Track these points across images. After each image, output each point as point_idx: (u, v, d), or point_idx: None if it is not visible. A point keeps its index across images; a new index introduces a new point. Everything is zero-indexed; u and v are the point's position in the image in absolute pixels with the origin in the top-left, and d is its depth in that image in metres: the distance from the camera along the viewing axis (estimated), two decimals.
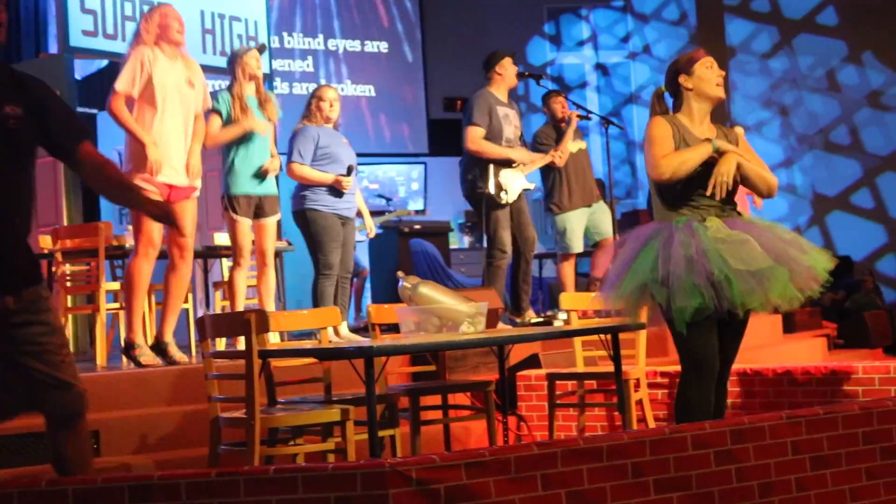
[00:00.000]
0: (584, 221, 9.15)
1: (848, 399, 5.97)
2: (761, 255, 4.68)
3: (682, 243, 4.69)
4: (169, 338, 6.66)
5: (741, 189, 5.03)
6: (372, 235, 8.66)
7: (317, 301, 7.55)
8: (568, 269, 9.18)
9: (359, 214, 8.07)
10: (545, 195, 9.28)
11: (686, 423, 4.76)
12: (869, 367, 6.12)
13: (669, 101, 5.09)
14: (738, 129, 9.16)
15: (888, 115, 17.63)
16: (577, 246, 9.10)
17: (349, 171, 7.67)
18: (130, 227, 7.78)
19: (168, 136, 6.57)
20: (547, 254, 12.27)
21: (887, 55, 17.58)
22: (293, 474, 3.42)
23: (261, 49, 7.48)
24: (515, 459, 3.55)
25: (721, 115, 14.58)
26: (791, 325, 10.28)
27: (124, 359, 6.60)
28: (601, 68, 17.81)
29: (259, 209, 7.31)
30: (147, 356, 6.50)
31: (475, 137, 8.25)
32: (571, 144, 9.03)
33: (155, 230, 6.46)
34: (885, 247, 17.56)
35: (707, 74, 4.98)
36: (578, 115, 9.29)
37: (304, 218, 7.67)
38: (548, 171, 9.15)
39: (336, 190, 7.62)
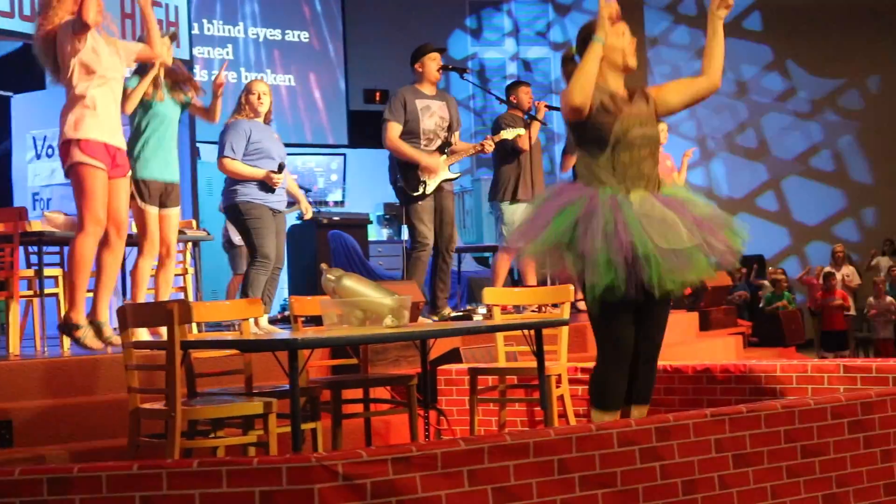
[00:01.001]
0: None
1: (766, 397, 6.01)
2: (686, 234, 4.69)
3: (604, 217, 4.67)
4: (104, 318, 6.54)
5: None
6: (309, 216, 8.57)
7: (246, 290, 7.47)
8: (505, 262, 9.19)
9: (291, 204, 8.05)
10: (498, 185, 9.28)
11: (599, 405, 4.84)
12: (787, 366, 6.18)
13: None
14: (662, 125, 9.22)
15: (794, 119, 17.98)
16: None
17: (280, 168, 7.62)
18: (49, 214, 7.65)
19: (109, 106, 6.43)
20: (466, 248, 12.28)
21: (805, 61, 17.88)
22: (217, 468, 3.37)
23: (172, 36, 7.36)
24: (442, 455, 3.53)
25: None
26: (707, 322, 10.39)
27: (39, 346, 6.46)
28: (522, 62, 17.86)
29: (164, 198, 7.19)
30: (90, 338, 6.35)
31: (389, 135, 8.32)
32: (507, 132, 9.02)
33: (100, 207, 6.32)
34: (788, 248, 17.91)
35: (617, 42, 4.92)
36: (547, 106, 9.38)
37: (238, 210, 7.60)
38: (507, 161, 9.19)
39: (267, 185, 7.57)
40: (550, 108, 9.62)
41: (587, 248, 4.62)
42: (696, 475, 3.98)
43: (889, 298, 15.84)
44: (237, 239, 9.94)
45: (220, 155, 7.60)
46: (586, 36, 4.92)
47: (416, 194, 8.23)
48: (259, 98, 7.72)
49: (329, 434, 5.63)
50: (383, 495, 3.41)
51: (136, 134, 7.18)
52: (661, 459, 3.92)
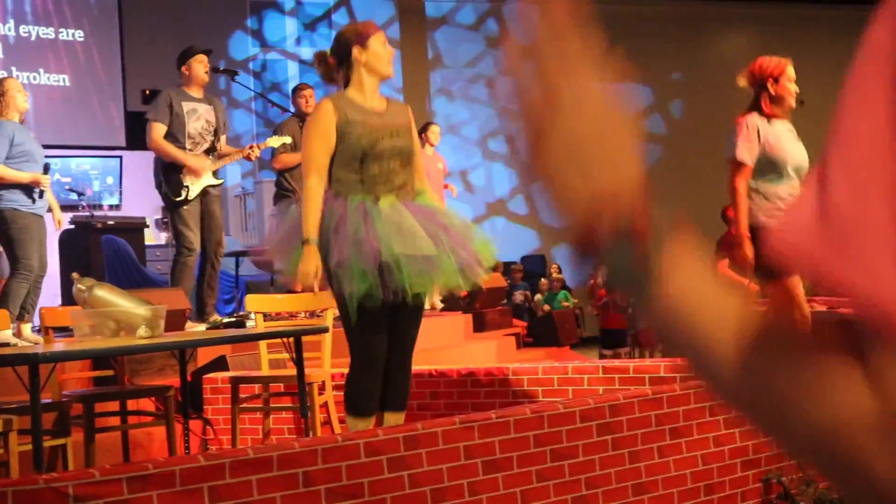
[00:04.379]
0: None
1: (529, 399, 6.09)
2: (426, 242, 4.76)
3: (353, 223, 4.72)
4: None
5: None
6: (59, 228, 8.31)
7: (7, 302, 7.19)
8: None
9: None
10: (284, 188, 9.18)
11: (354, 412, 4.89)
12: (548, 368, 6.27)
13: None
14: (434, 127, 9.27)
15: None
16: None
17: (46, 169, 7.38)
18: None
19: None
20: (244, 251, 12.12)
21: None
22: None
23: None
24: (181, 472, 3.43)
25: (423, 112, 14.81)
26: (482, 324, 10.48)
27: None
28: (305, 65, 17.75)
29: None
30: None
31: (153, 135, 8.12)
32: (273, 139, 8.96)
33: None
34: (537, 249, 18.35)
35: (380, 50, 5.00)
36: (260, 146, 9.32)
37: (2, 218, 7.31)
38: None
39: (31, 189, 7.31)
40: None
41: (341, 258, 4.66)
42: (446, 483, 3.97)
43: None
44: None
45: None
46: (348, 44, 4.96)
47: (178, 199, 8.07)
48: (22, 97, 7.48)
49: (82, 450, 5.45)
50: None
51: None
52: (410, 468, 3.90)
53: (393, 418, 4.96)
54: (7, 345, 6.61)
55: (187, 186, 8.07)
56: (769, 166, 5.94)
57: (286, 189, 9.09)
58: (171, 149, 8.10)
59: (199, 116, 8.24)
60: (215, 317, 8.42)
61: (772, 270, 5.90)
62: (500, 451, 4.13)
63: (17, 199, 7.31)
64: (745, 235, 5.95)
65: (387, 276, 4.69)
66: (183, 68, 8.29)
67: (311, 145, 4.90)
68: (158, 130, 8.10)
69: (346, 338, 4.93)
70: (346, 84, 5.00)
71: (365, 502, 3.79)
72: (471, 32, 18.44)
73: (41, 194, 7.40)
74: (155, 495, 3.37)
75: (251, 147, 8.76)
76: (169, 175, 8.05)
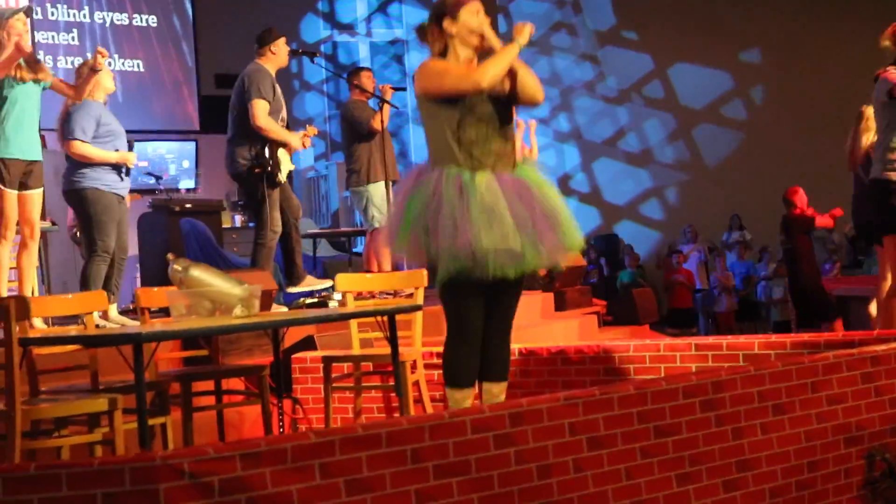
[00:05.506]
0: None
1: (620, 377, 6.06)
2: (513, 233, 4.69)
3: (449, 202, 4.67)
4: None
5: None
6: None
7: (87, 283, 7.24)
8: (374, 245, 9.11)
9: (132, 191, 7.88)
10: (356, 169, 9.20)
11: (451, 383, 4.90)
12: (640, 346, 6.23)
13: None
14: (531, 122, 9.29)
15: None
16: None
17: (130, 146, 7.43)
18: None
19: None
20: (321, 233, 12.17)
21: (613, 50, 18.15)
22: (56, 471, 3.23)
23: (27, 11, 7.10)
24: (292, 449, 3.44)
25: None
26: (562, 303, 10.44)
27: None
28: (375, 47, 17.76)
29: (26, 178, 6.95)
30: None
31: (263, 113, 7.98)
32: (311, 129, 8.90)
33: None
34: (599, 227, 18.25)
35: (472, 21, 4.87)
36: (392, 88, 9.30)
37: (82, 197, 7.36)
38: (361, 144, 9.10)
39: (118, 168, 7.36)
40: (396, 89, 9.52)
41: (437, 236, 4.64)
42: (551, 459, 3.95)
43: (729, 273, 16.25)
44: None
45: (70, 137, 7.34)
46: (440, 11, 4.90)
47: (278, 181, 8.03)
48: (110, 78, 7.55)
49: (180, 428, 5.50)
50: (232, 492, 3.31)
51: None
52: (516, 445, 3.88)
53: (496, 388, 4.96)
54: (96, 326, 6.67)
55: (281, 169, 8.04)
56: None
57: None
58: (278, 128, 8.03)
59: (282, 101, 8.23)
60: (309, 278, 8.41)
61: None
62: (604, 427, 4.10)
63: (102, 178, 7.35)
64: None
65: (478, 262, 4.67)
66: (270, 48, 8.16)
67: (448, 68, 4.84)
68: (265, 108, 7.97)
69: (443, 312, 4.92)
70: (443, 56, 4.94)
71: (471, 479, 3.78)
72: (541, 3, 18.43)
73: (128, 172, 7.45)
74: (268, 472, 3.38)
75: (304, 135, 8.64)
76: (266, 156, 7.97)
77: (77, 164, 7.39)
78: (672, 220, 18.16)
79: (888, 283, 7.34)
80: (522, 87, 4.86)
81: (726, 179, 17.94)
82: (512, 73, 4.86)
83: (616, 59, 18.56)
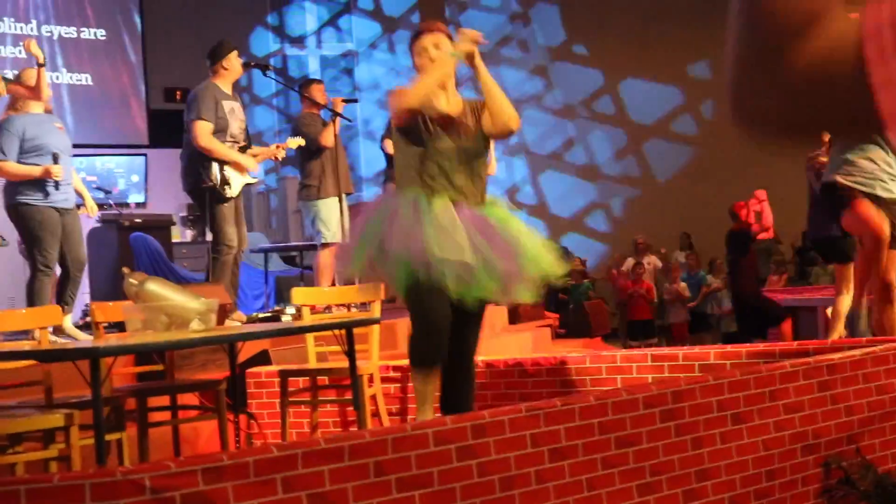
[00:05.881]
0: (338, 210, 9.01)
1: (577, 389, 6.07)
2: (467, 249, 4.72)
3: (404, 216, 4.70)
4: None
5: None
6: (93, 215, 8.24)
7: (32, 300, 7.15)
8: (327, 258, 9.05)
9: (80, 205, 7.74)
10: (308, 183, 9.14)
11: (417, 363, 4.99)
12: (596, 357, 6.24)
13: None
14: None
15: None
16: (337, 234, 8.84)
17: (55, 159, 7.23)
18: None
19: None
20: (272, 247, 12.11)
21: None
22: (15, 487, 3.18)
23: None
24: (254, 463, 3.41)
25: None
26: (515, 316, 10.46)
27: None
28: (325, 60, 17.73)
29: None
30: None
31: (204, 133, 7.90)
32: (291, 140, 8.92)
33: None
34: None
35: (424, 52, 4.92)
36: (344, 100, 9.26)
37: (20, 214, 7.26)
38: (313, 159, 9.05)
39: (44, 183, 7.21)
40: (347, 101, 9.51)
41: (390, 246, 4.67)
42: (513, 471, 3.94)
43: (683, 284, 16.34)
44: None
45: None
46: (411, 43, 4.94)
47: (227, 196, 7.96)
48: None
49: (135, 444, 5.44)
50: None
51: None
52: (478, 457, 3.87)
53: None
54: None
55: (230, 184, 7.98)
56: None
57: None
58: (222, 147, 7.95)
59: (235, 116, 8.15)
60: (237, 313, 8.29)
61: None
62: (565, 438, 4.10)
63: (34, 193, 7.23)
64: None
65: (432, 271, 4.68)
66: (222, 63, 8.08)
67: (400, 91, 4.85)
68: (207, 129, 7.90)
69: (408, 310, 4.94)
70: None
71: (434, 492, 3.76)
72: (492, 15, 18.46)
73: (56, 186, 7.28)
74: (230, 486, 3.35)
75: (277, 147, 8.70)
76: (212, 172, 7.89)
77: (9, 181, 7.30)
78: (619, 233, 18.25)
79: (845, 297, 7.43)
80: (494, 116, 4.88)
81: (676, 193, 18.06)
82: (478, 107, 4.90)
83: (566, 73, 18.64)
